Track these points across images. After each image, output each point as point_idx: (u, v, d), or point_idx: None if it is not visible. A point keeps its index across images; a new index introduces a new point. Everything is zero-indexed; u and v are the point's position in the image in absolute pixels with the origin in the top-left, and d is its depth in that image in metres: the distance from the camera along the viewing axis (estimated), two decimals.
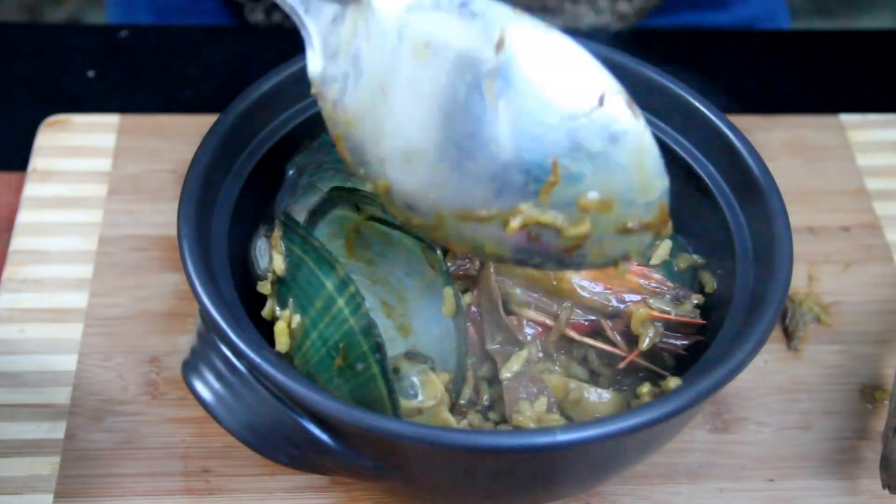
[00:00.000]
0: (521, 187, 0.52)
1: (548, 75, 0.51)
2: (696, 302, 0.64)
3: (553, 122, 0.51)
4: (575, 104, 0.51)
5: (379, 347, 0.56)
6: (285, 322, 0.59)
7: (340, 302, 0.57)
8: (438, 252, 0.62)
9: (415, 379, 0.58)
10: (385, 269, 0.64)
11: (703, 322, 0.63)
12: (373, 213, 0.62)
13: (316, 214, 0.62)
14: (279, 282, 0.60)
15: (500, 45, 0.51)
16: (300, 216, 0.64)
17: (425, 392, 0.57)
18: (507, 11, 0.51)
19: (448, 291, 0.62)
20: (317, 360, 0.58)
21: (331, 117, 0.55)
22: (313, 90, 0.56)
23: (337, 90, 0.54)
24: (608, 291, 0.63)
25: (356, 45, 0.54)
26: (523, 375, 0.62)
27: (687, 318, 0.63)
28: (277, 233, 0.60)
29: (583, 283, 0.63)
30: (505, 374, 0.62)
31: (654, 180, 0.52)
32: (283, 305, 0.59)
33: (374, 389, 0.57)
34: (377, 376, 0.57)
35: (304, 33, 0.55)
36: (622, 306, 0.63)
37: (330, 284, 0.57)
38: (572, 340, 0.64)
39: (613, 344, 0.63)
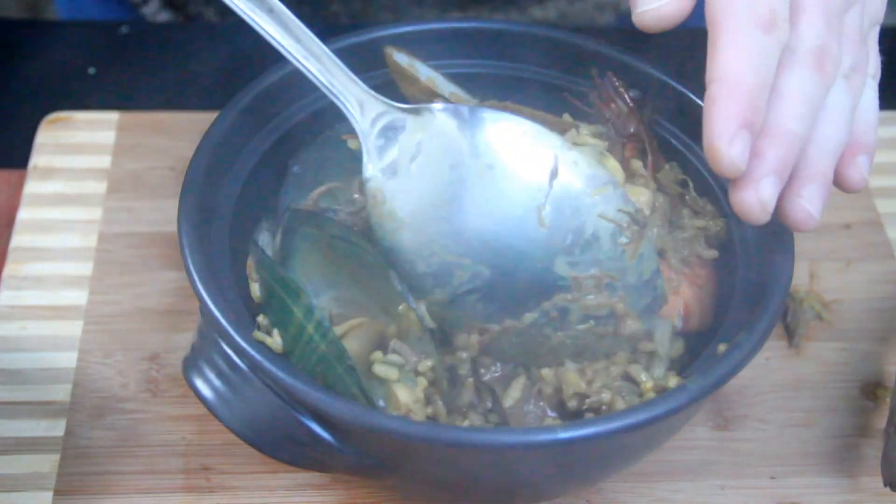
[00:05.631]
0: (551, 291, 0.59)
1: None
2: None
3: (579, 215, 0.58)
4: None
5: (352, 370, 0.57)
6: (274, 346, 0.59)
7: (310, 328, 0.57)
8: (391, 270, 0.61)
9: (380, 399, 0.58)
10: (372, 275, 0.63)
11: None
12: (334, 233, 0.62)
13: (288, 233, 0.62)
14: (261, 308, 0.60)
15: (553, 175, 0.58)
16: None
17: (390, 405, 0.58)
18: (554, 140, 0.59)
19: (411, 316, 0.61)
20: None
21: (380, 224, 0.60)
22: (368, 195, 0.60)
23: (390, 197, 0.60)
24: None
25: (418, 158, 0.60)
26: (526, 401, 0.61)
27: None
28: (251, 261, 0.60)
29: None
30: (507, 402, 0.62)
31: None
32: (268, 330, 0.59)
33: None
34: (358, 397, 0.57)
35: (358, 133, 0.60)
36: None
37: (298, 312, 0.58)
38: None
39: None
